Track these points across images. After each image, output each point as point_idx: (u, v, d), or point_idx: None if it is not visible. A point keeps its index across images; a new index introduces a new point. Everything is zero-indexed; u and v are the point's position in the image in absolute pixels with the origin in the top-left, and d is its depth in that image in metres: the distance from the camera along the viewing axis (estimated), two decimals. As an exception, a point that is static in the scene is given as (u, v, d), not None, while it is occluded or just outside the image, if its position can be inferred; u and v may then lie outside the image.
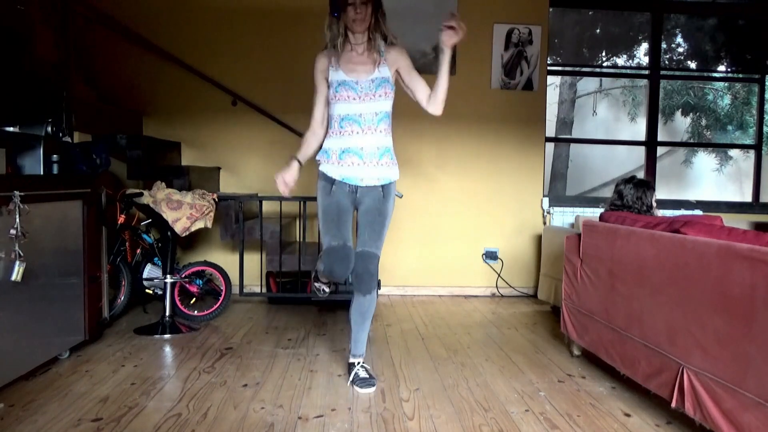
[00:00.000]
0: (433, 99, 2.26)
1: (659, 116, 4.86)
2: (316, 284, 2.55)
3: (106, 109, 3.80)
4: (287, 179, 2.30)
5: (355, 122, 2.24)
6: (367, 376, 2.34)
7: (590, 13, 7.22)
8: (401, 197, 2.66)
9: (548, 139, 4.54)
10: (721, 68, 6.73)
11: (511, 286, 4.29)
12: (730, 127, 7.58)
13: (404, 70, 2.30)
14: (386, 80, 2.26)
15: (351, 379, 2.34)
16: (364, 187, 2.29)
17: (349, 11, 2.18)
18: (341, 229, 2.24)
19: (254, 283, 4.00)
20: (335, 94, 2.25)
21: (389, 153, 2.31)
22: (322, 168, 2.32)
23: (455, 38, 2.14)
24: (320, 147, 2.37)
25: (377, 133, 2.26)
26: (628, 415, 2.07)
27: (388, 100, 2.27)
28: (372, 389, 2.28)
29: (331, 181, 2.30)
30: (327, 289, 2.54)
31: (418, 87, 2.30)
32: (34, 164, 2.51)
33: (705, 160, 8.03)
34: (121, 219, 3.14)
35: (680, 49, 7.16)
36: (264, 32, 4.07)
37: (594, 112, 8.23)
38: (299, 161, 2.34)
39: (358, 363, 2.38)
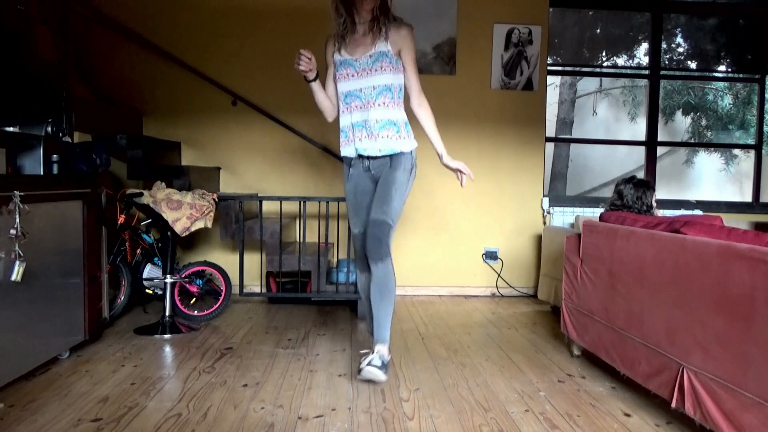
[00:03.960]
0: (418, 115, 2.39)
1: (659, 116, 4.86)
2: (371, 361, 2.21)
3: (106, 109, 3.80)
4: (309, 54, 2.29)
5: (357, 97, 2.34)
6: (380, 364, 2.19)
7: (590, 13, 7.23)
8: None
9: (548, 139, 4.53)
10: (722, 68, 6.73)
11: (511, 286, 4.29)
12: (731, 127, 7.58)
13: (404, 54, 2.35)
14: (384, 54, 2.29)
15: (366, 361, 2.20)
16: (374, 159, 2.37)
17: None
18: (360, 215, 2.41)
19: (254, 283, 4.00)
20: (337, 74, 2.37)
21: (393, 126, 2.34)
22: (342, 149, 2.43)
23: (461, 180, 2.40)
24: (335, 119, 2.50)
25: (377, 107, 2.32)
26: (628, 415, 2.07)
27: (386, 73, 2.30)
28: (376, 377, 2.18)
29: (349, 163, 2.44)
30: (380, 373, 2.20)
31: (410, 82, 2.37)
32: (34, 164, 2.50)
33: (706, 160, 8.03)
34: (121, 219, 3.14)
35: (680, 49, 7.16)
36: (264, 32, 4.07)
37: (594, 112, 8.23)
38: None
39: (378, 351, 2.24)
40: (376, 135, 2.32)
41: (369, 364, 2.19)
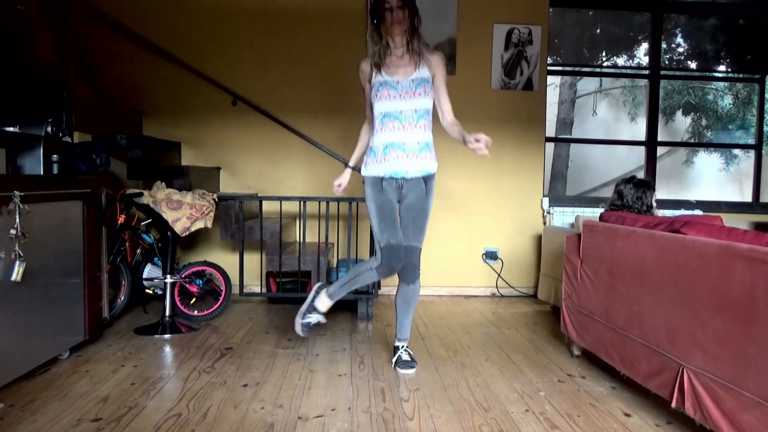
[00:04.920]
0: (450, 131, 2.47)
1: (659, 116, 4.86)
2: (308, 319, 2.59)
3: (106, 109, 3.80)
4: (339, 182, 2.63)
5: (396, 119, 2.40)
6: (409, 359, 2.55)
7: (590, 13, 7.23)
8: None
9: (548, 139, 4.53)
10: (722, 68, 6.72)
11: (511, 286, 4.29)
12: (731, 127, 7.58)
13: (438, 79, 2.46)
14: (426, 80, 2.41)
15: (394, 361, 2.56)
16: (409, 180, 2.44)
17: (386, 16, 2.35)
18: (396, 227, 2.44)
19: (254, 283, 4.00)
20: (377, 93, 2.42)
21: (429, 147, 2.46)
22: (369, 168, 2.47)
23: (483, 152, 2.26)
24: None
25: (417, 129, 2.41)
26: (628, 415, 2.07)
27: (427, 98, 2.42)
28: (412, 371, 2.50)
29: (380, 179, 2.46)
30: (323, 320, 2.62)
31: (443, 103, 2.49)
32: (34, 164, 2.51)
33: (706, 160, 8.03)
34: (121, 219, 3.14)
35: (680, 49, 7.16)
36: (264, 32, 4.07)
37: (594, 112, 8.23)
38: (351, 167, 2.66)
39: (402, 347, 2.59)
40: (416, 156, 2.41)
41: (401, 365, 2.53)
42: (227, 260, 3.89)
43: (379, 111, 2.42)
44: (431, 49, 2.48)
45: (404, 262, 2.45)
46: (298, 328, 2.58)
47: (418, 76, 2.40)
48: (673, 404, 1.90)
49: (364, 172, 2.50)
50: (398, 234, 2.43)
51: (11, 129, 2.42)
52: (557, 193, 7.45)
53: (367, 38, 2.50)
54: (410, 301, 2.56)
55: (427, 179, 2.47)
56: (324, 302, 2.57)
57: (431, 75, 2.43)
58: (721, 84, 7.53)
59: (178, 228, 2.98)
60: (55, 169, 2.57)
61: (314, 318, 2.58)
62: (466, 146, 2.28)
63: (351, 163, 2.67)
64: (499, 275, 4.28)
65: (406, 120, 2.39)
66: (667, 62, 6.84)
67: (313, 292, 2.61)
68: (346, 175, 2.64)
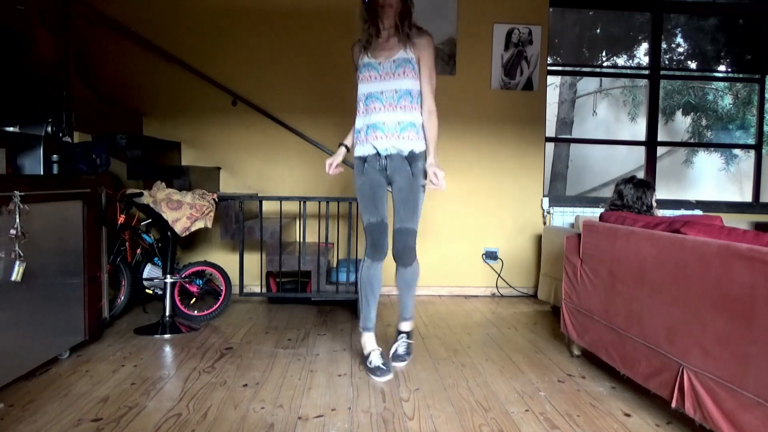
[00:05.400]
0: (426, 122, 2.45)
1: (659, 116, 4.86)
2: (373, 364, 2.44)
3: (106, 109, 3.80)
4: (330, 161, 2.57)
5: (377, 99, 2.41)
6: (403, 352, 2.60)
7: (590, 13, 7.23)
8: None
9: (548, 139, 4.53)
10: (722, 68, 6.73)
11: (511, 286, 4.29)
12: (731, 127, 7.58)
13: (422, 62, 2.44)
14: (408, 61, 2.40)
15: (392, 351, 2.60)
16: (392, 158, 2.43)
17: None
18: (377, 206, 2.47)
19: (254, 283, 4.00)
20: (360, 76, 2.46)
21: (413, 127, 2.43)
22: (355, 150, 2.51)
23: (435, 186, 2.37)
24: None
25: (398, 109, 2.40)
26: (628, 415, 2.07)
27: (408, 79, 2.40)
28: (403, 364, 2.56)
29: (363, 160, 2.48)
30: (378, 349, 2.51)
31: (423, 87, 2.46)
32: (34, 164, 2.51)
33: (705, 160, 8.03)
34: (121, 219, 3.14)
35: (680, 49, 7.16)
36: (264, 32, 4.07)
37: (594, 112, 8.23)
38: (345, 146, 2.61)
39: (402, 338, 2.64)
40: (398, 136, 2.41)
41: (394, 357, 2.56)
42: (227, 260, 3.89)
43: (362, 92, 2.45)
44: (422, 32, 2.45)
45: (399, 247, 2.47)
46: (379, 377, 2.39)
47: (399, 57, 2.39)
48: (673, 404, 1.90)
49: (353, 155, 2.53)
50: (378, 212, 2.46)
51: (11, 129, 2.42)
52: (557, 193, 7.45)
53: (358, 18, 2.47)
54: (411, 282, 2.57)
55: (412, 160, 2.44)
56: (366, 340, 2.53)
57: (416, 57, 2.41)
58: (721, 84, 7.53)
59: (178, 228, 2.98)
60: (55, 169, 2.57)
61: (376, 358, 2.46)
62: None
63: (345, 142, 2.63)
64: (499, 275, 4.28)
65: (386, 100, 2.40)
66: (667, 62, 6.84)
67: (368, 362, 2.48)
68: (339, 154, 2.60)
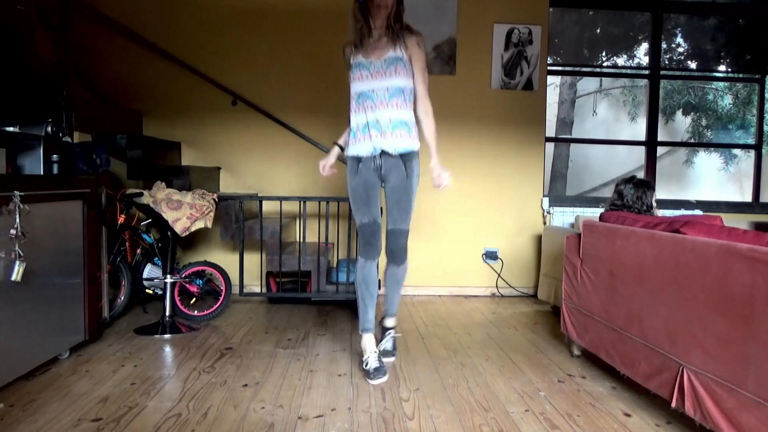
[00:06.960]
0: (422, 121, 2.48)
1: (659, 116, 4.86)
2: (370, 366, 2.41)
3: (106, 109, 3.80)
4: (324, 163, 2.61)
5: (369, 98, 2.42)
6: (391, 348, 2.68)
7: (590, 13, 7.22)
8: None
9: (548, 139, 4.53)
10: (722, 68, 6.72)
11: (511, 286, 4.29)
12: (731, 127, 7.58)
13: (413, 61, 2.46)
14: (399, 59, 2.41)
15: (380, 348, 2.60)
16: (387, 158, 2.44)
17: None
18: (369, 206, 2.49)
19: (254, 283, 4.00)
20: (352, 75, 2.47)
21: (405, 126, 2.44)
22: (349, 149, 2.51)
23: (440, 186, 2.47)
24: None
25: (390, 107, 2.41)
26: (628, 415, 2.07)
27: (400, 77, 2.41)
28: (392, 359, 2.65)
29: (358, 160, 2.48)
30: (376, 351, 2.49)
31: (416, 85, 2.48)
32: (34, 164, 2.51)
33: (706, 160, 8.03)
34: (121, 219, 3.14)
35: (680, 49, 7.16)
36: (264, 32, 4.07)
37: (594, 112, 8.23)
38: (339, 145, 2.63)
39: (390, 333, 2.68)
40: (390, 134, 2.41)
41: (383, 353, 2.60)
42: (227, 260, 3.89)
43: (355, 92, 2.46)
44: (412, 32, 2.47)
45: (392, 247, 2.50)
46: (375, 380, 2.36)
47: (390, 56, 2.40)
48: (673, 404, 1.90)
49: (346, 154, 2.53)
50: (370, 212, 2.48)
51: (11, 129, 2.42)
52: (557, 193, 7.45)
53: (350, 17, 2.47)
54: (401, 279, 2.62)
55: (407, 159, 2.45)
56: (366, 341, 2.51)
57: (407, 56, 2.42)
58: (721, 84, 7.53)
59: (178, 228, 2.98)
60: (55, 169, 2.57)
61: (372, 361, 2.42)
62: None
63: (339, 141, 2.64)
64: (499, 275, 4.28)
65: (378, 99, 2.41)
66: (667, 62, 6.84)
67: (365, 364, 2.46)
68: (332, 155, 2.63)
